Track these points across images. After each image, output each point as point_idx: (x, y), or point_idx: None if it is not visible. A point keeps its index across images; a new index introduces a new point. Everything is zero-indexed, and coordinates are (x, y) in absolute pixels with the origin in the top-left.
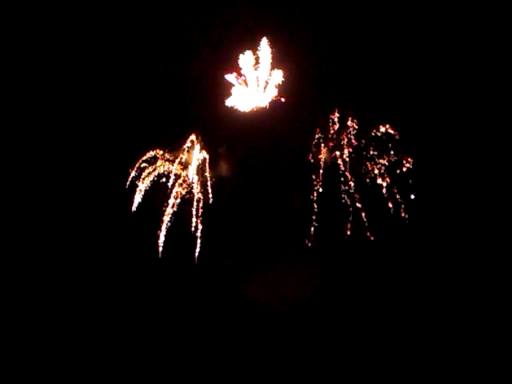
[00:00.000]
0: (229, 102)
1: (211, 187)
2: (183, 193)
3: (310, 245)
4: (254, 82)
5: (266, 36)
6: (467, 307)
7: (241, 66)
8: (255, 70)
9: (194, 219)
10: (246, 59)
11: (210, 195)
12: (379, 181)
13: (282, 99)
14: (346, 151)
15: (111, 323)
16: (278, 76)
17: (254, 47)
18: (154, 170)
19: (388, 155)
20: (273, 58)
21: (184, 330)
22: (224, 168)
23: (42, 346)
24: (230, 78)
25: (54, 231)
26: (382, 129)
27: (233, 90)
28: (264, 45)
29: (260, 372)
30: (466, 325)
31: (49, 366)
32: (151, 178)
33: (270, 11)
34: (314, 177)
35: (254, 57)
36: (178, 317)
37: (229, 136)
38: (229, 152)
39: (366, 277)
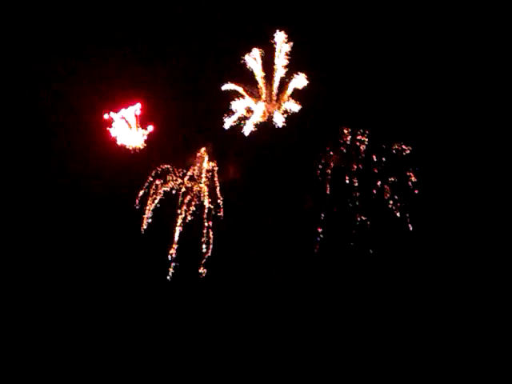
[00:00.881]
0: (229, 123)
1: (220, 194)
2: (193, 201)
3: (316, 252)
4: (266, 91)
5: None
6: (469, 321)
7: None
8: (264, 74)
9: (205, 223)
10: (253, 60)
11: (220, 203)
12: (387, 195)
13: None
14: (354, 165)
15: (121, 325)
16: (299, 83)
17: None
18: (164, 183)
19: (397, 170)
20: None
21: (192, 332)
22: (232, 175)
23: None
24: (232, 87)
25: (66, 242)
26: (394, 146)
27: (236, 105)
28: (279, 40)
29: (267, 373)
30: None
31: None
32: (161, 191)
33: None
34: (322, 189)
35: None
36: (187, 318)
37: (237, 144)
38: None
39: (371, 287)
